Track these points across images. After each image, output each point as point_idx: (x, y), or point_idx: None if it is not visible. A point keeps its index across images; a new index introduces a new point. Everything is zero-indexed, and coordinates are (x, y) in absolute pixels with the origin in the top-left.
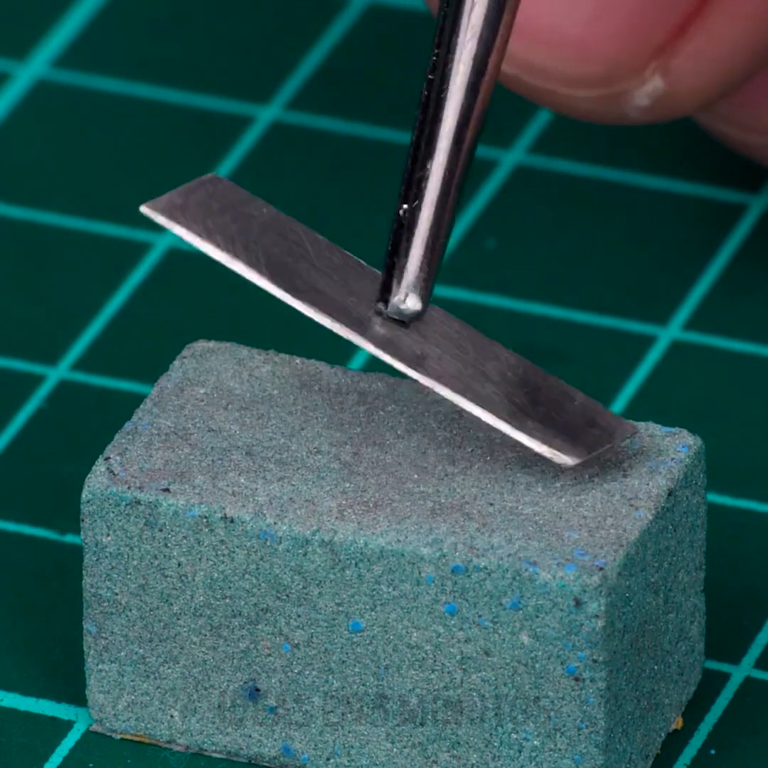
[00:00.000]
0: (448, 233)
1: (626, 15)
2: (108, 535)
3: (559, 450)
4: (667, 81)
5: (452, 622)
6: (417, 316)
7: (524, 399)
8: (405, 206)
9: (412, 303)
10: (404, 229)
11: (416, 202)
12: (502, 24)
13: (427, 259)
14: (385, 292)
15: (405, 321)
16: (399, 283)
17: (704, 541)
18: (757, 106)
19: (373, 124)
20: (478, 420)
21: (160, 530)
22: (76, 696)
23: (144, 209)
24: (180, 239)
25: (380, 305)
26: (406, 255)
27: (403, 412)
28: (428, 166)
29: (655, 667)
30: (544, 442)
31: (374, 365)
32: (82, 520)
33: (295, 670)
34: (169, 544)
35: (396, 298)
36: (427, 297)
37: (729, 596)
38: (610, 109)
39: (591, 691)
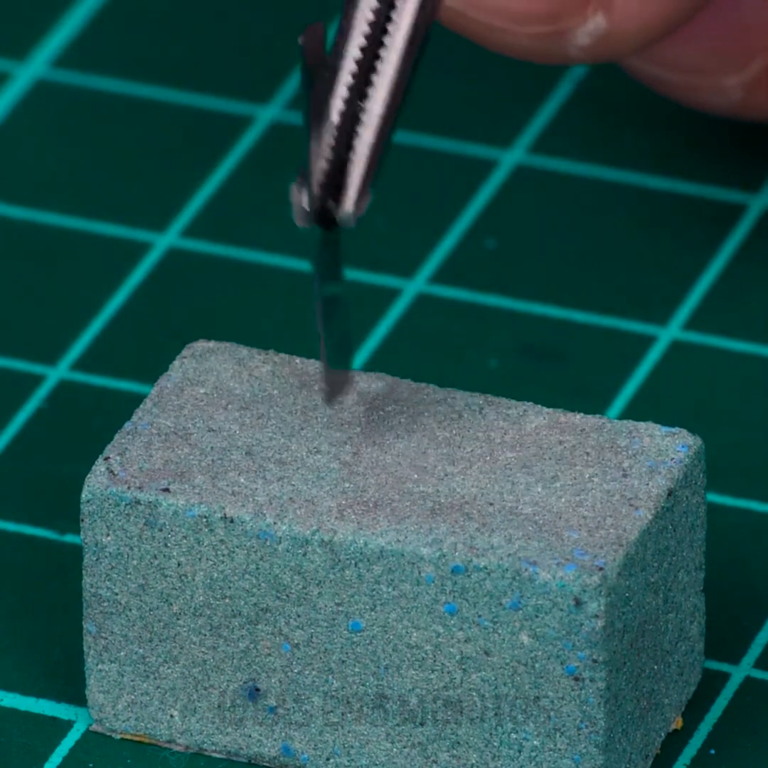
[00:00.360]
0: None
1: None
2: (108, 535)
3: (328, 390)
4: (609, 19)
5: (452, 622)
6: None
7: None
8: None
9: (348, 221)
10: (360, 140)
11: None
12: None
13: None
14: (339, 191)
15: (331, 225)
16: (353, 194)
17: (704, 541)
18: (677, 44)
19: None
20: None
21: (160, 530)
22: (76, 696)
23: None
24: (180, 239)
25: (331, 202)
26: (361, 172)
27: (403, 412)
28: (379, 78)
29: (655, 667)
30: (327, 380)
31: (374, 365)
32: (82, 520)
33: (295, 670)
34: (169, 544)
35: (351, 210)
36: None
37: (729, 596)
38: (552, 47)
39: (591, 691)
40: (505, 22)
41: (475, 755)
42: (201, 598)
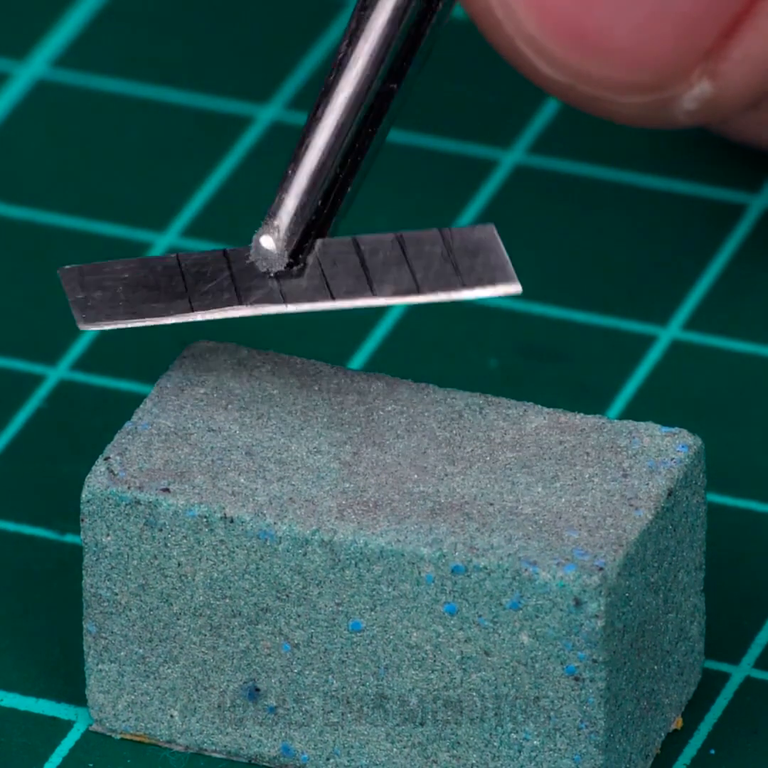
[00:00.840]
0: (328, 187)
1: (675, 21)
2: (108, 535)
3: (499, 282)
4: (715, 84)
5: (452, 622)
6: (280, 262)
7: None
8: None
9: (266, 242)
10: (290, 163)
11: (304, 142)
12: None
13: (295, 206)
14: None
15: (272, 268)
16: (283, 226)
17: (704, 541)
18: None
19: None
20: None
21: (160, 530)
22: (76, 696)
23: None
24: (180, 239)
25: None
26: (283, 193)
27: (403, 412)
28: (320, 113)
29: (655, 667)
30: (480, 284)
31: (374, 365)
32: (82, 520)
33: (295, 670)
34: (169, 544)
35: (260, 237)
36: (285, 239)
37: (729, 596)
38: (659, 114)
39: (591, 691)
40: (613, 94)
41: (475, 755)
42: (201, 598)
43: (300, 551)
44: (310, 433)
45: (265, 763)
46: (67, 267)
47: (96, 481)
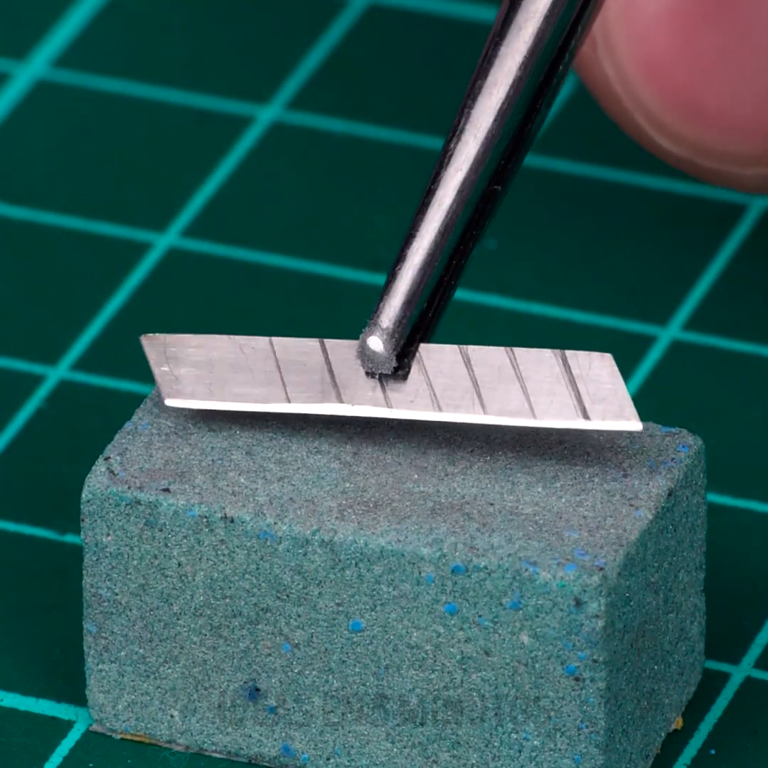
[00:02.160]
0: (433, 289)
1: None
2: (108, 535)
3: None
4: None
5: (452, 622)
6: (387, 365)
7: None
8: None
9: (374, 343)
10: (396, 264)
11: (409, 243)
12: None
13: (401, 304)
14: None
15: (378, 370)
16: (372, 322)
17: (704, 541)
18: None
19: (373, 124)
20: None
21: (160, 530)
22: (76, 696)
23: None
24: (180, 239)
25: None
26: (385, 294)
27: None
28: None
29: (655, 667)
30: (601, 418)
31: None
32: (82, 520)
33: (295, 670)
34: (169, 544)
35: (368, 338)
36: (394, 341)
37: (729, 596)
38: None
39: (591, 691)
40: (733, 166)
41: (475, 755)
42: (201, 598)
43: (300, 551)
44: (310, 433)
45: (265, 763)
46: (150, 335)
47: (96, 481)
